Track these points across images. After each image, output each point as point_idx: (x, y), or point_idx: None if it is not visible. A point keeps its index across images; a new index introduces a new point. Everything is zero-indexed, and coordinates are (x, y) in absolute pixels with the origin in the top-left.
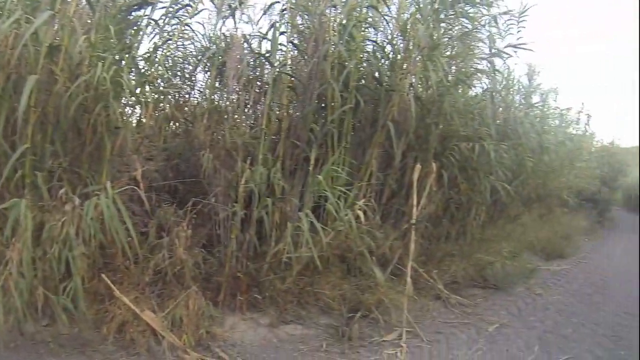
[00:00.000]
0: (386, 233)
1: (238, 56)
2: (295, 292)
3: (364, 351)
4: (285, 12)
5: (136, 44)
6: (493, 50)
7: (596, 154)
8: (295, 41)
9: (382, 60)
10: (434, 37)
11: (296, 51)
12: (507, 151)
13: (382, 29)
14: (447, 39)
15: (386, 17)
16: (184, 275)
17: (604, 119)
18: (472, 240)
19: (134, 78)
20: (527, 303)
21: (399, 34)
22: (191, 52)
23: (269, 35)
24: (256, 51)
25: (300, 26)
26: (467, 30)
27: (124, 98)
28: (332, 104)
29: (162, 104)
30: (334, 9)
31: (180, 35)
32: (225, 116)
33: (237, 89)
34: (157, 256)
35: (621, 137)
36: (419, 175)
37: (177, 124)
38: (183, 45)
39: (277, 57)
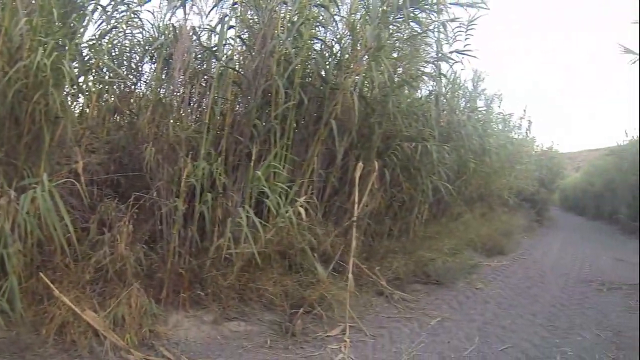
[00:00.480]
0: (328, 230)
1: (185, 48)
2: (238, 288)
3: (308, 347)
4: (236, 6)
5: (81, 30)
6: (439, 55)
7: (536, 158)
8: (244, 36)
9: (330, 59)
10: (381, 39)
11: (244, 46)
12: (450, 152)
13: (331, 28)
14: (394, 41)
15: (337, 17)
16: (126, 273)
17: (544, 126)
18: (415, 238)
19: (76, 66)
20: (468, 297)
21: (348, 34)
22: (139, 41)
23: (218, 29)
24: (204, 44)
25: (250, 21)
26: (414, 33)
27: (65, 86)
28: (277, 100)
29: (106, 95)
30: (285, 5)
31: (129, 23)
32: (170, 109)
33: (182, 82)
34: (98, 253)
35: (559, 143)
36: (361, 174)
37: (122, 115)
38: (132, 33)
39: (225, 51)
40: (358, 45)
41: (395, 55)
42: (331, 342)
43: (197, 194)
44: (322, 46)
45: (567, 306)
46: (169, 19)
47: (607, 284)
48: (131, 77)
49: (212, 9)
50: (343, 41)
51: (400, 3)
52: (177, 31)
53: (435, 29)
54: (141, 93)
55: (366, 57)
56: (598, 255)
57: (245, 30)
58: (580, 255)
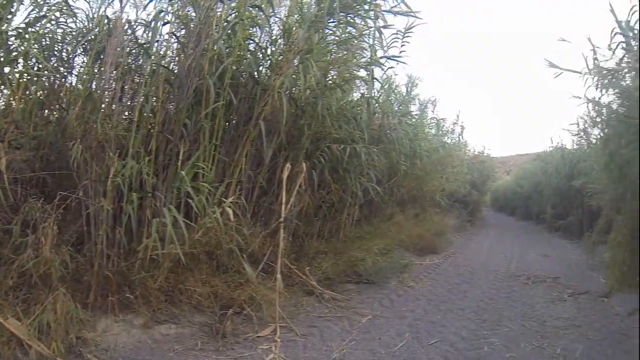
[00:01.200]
0: (256, 230)
1: (119, 42)
2: (168, 290)
3: (238, 347)
4: (173, 1)
5: (8, 16)
6: (372, 59)
7: (468, 161)
8: (181, 33)
9: (262, 61)
10: (312, 42)
11: (178, 44)
12: (379, 155)
13: (267, 30)
14: (326, 44)
15: (274, 19)
16: (51, 277)
17: (479, 132)
18: (346, 238)
19: (1, 54)
20: (399, 295)
21: (283, 36)
22: (72, 31)
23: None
24: (138, 40)
25: (187, 19)
26: (346, 37)
27: None
28: (208, 100)
29: (34, 87)
30: (221, 4)
31: (61, 11)
32: (100, 105)
33: (114, 78)
34: (22, 256)
35: (491, 148)
36: (289, 174)
37: (50, 110)
38: (65, 23)
39: (159, 48)
40: (289, 47)
41: (328, 58)
42: (262, 342)
43: (125, 194)
44: (256, 47)
45: (495, 300)
46: (104, 10)
47: (533, 278)
48: (62, 69)
49: (149, 3)
50: (278, 43)
51: (334, 7)
52: (112, 24)
53: (370, 35)
54: (72, 87)
55: (296, 59)
56: (526, 252)
57: (182, 28)
58: (509, 252)
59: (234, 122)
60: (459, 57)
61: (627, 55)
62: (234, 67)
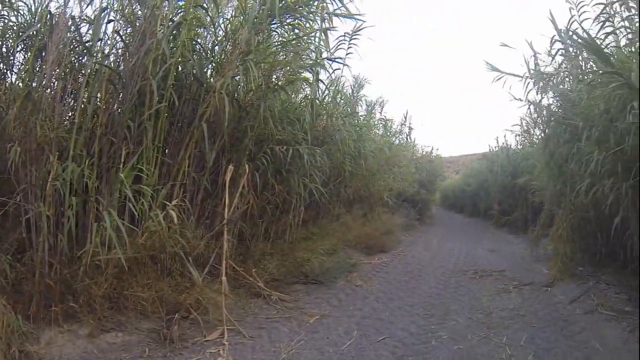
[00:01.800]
0: (201, 233)
1: (61, 39)
2: (113, 297)
3: (186, 352)
4: None
5: None
6: (316, 61)
7: (416, 161)
8: (127, 31)
9: (206, 62)
10: (251, 43)
11: (122, 42)
12: (322, 156)
13: (212, 30)
14: (268, 46)
15: (221, 19)
16: None
17: (429, 132)
18: (293, 239)
19: None
20: (348, 294)
21: (227, 37)
22: (12, 26)
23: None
24: (78, 37)
25: (132, 17)
26: (289, 39)
27: None
28: (151, 101)
29: None
30: (167, 2)
31: (2, 4)
32: (40, 105)
33: (56, 76)
34: None
35: (439, 148)
36: (233, 176)
37: None
38: (7, 16)
39: (102, 47)
40: (232, 48)
41: (271, 60)
42: (210, 346)
43: (66, 199)
44: (200, 48)
45: (442, 295)
46: (47, 5)
47: (480, 272)
48: (1, 66)
49: None
50: (223, 44)
51: (277, 9)
52: (55, 19)
53: (315, 37)
54: (11, 85)
55: (239, 60)
56: (473, 248)
57: (127, 26)
58: (457, 248)
59: (179, 124)
60: (411, 62)
61: (565, 61)
62: (180, 68)
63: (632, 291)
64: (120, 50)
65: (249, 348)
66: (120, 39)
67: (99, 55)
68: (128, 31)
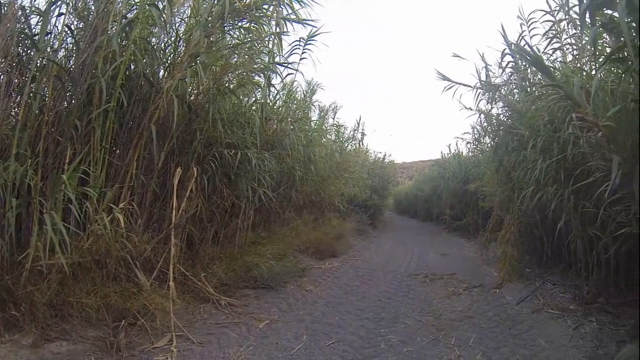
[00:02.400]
0: (148, 237)
1: (8, 31)
2: (57, 304)
3: None
4: None
5: None
6: (266, 65)
7: (369, 167)
8: (78, 26)
9: (159, 62)
10: (203, 45)
11: (72, 38)
12: (271, 160)
13: (167, 30)
14: (219, 49)
15: (176, 19)
16: None
17: (382, 139)
18: (242, 244)
19: None
20: (298, 299)
21: (177, 39)
22: None
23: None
24: (27, 29)
25: (85, 12)
26: (239, 42)
27: None
28: (100, 100)
29: None
30: None
31: None
32: None
33: (1, 70)
34: None
35: (391, 154)
36: (181, 179)
37: None
38: None
39: (51, 41)
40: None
41: (222, 62)
42: (158, 353)
43: (7, 200)
44: (152, 48)
45: (393, 299)
46: None
47: (431, 276)
48: None
49: None
50: (176, 45)
51: (227, 11)
52: (3, 8)
53: (268, 41)
54: None
55: (187, 62)
56: (425, 252)
57: (79, 21)
58: (409, 253)
59: (128, 125)
60: (367, 70)
61: (514, 74)
62: (132, 68)
63: (575, 290)
64: (70, 46)
65: (197, 354)
66: (70, 34)
67: (48, 49)
68: (80, 26)
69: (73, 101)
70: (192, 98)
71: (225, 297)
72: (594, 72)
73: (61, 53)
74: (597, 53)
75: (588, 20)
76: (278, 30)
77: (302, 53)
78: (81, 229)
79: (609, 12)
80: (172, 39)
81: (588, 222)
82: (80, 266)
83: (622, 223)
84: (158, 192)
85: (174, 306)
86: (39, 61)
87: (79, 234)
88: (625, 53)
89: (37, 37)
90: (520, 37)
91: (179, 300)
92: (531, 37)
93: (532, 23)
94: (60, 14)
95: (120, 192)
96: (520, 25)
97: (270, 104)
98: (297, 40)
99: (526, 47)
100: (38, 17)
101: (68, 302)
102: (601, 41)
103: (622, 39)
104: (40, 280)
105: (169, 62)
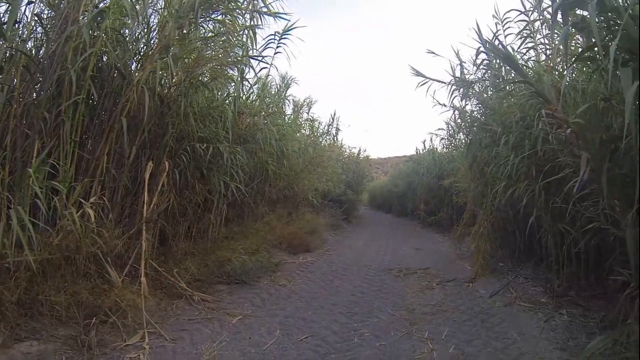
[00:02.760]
0: (120, 232)
1: None
2: (26, 303)
3: (105, 359)
4: None
5: None
6: (239, 58)
7: (343, 162)
8: (49, 15)
9: (131, 53)
10: (174, 37)
11: (41, 27)
12: (243, 154)
13: (142, 22)
14: (190, 41)
15: (150, 10)
16: None
17: (360, 135)
18: (215, 239)
19: None
20: (271, 294)
21: (150, 30)
22: None
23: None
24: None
25: (56, 0)
26: (212, 35)
27: None
28: (70, 92)
29: None
30: None
31: None
32: None
33: None
34: None
35: (368, 149)
36: (153, 174)
37: None
38: None
39: (21, 30)
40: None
41: (195, 55)
42: (130, 351)
43: None
44: (123, 39)
45: (366, 293)
46: None
47: (405, 270)
48: None
49: None
50: (149, 37)
51: (197, 3)
52: None
53: (242, 34)
54: None
55: (159, 54)
56: (399, 247)
57: (50, 11)
58: (384, 247)
59: (99, 117)
60: (344, 65)
61: (488, 71)
62: (104, 59)
63: (547, 284)
64: (40, 36)
65: (170, 351)
66: (40, 24)
67: (17, 39)
68: (50, 15)
69: (42, 93)
70: (165, 91)
71: (198, 293)
72: (566, 72)
73: (30, 43)
74: (569, 53)
75: (560, 19)
76: (252, 23)
77: (277, 47)
78: (50, 225)
79: (580, 12)
80: (145, 30)
81: (558, 217)
82: (50, 263)
83: (590, 218)
84: (130, 187)
85: (146, 302)
86: (7, 51)
87: (48, 230)
88: (596, 53)
89: (4, 26)
90: (495, 37)
91: (151, 296)
92: (505, 36)
93: (507, 22)
94: (29, 2)
95: (91, 187)
96: (496, 24)
97: (244, 98)
98: (272, 35)
99: (499, 45)
100: (6, 4)
101: (37, 300)
102: (573, 42)
103: (592, 39)
104: (8, 278)
105: (141, 54)
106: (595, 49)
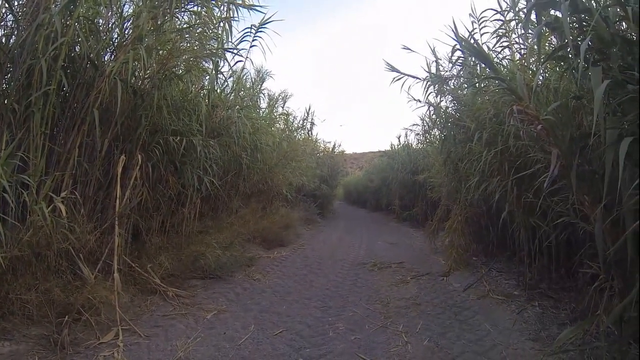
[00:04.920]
0: (92, 227)
1: None
2: None
3: (79, 358)
4: None
5: None
6: (213, 51)
7: (318, 156)
8: (20, 2)
9: (104, 44)
10: (147, 27)
11: (11, 15)
12: (216, 147)
13: (115, 11)
14: (165, 32)
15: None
16: None
17: (336, 130)
18: (189, 233)
19: None
20: (245, 289)
21: (122, 20)
22: None
23: None
24: None
25: None
26: (186, 26)
27: None
28: (41, 82)
29: None
30: None
31: None
32: None
33: None
34: None
35: (343, 144)
36: (125, 167)
37: None
38: None
39: None
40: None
41: (169, 46)
42: (104, 349)
43: None
44: (98, 28)
45: (341, 287)
46: None
47: (379, 265)
48: None
49: None
50: (123, 27)
51: None
52: None
53: (217, 27)
54: None
55: (132, 45)
56: (374, 241)
57: None
58: (358, 242)
59: (70, 109)
60: (321, 61)
61: (463, 68)
62: (77, 49)
63: (519, 277)
64: (10, 24)
65: (144, 348)
66: (10, 11)
67: None
68: (21, 2)
69: (12, 83)
70: (138, 83)
71: (173, 288)
72: (539, 70)
73: (0, 31)
74: (542, 52)
75: (534, 19)
76: (228, 15)
77: (253, 41)
78: (20, 221)
79: (554, 12)
80: (118, 20)
81: (530, 212)
82: (20, 260)
83: (560, 213)
84: (102, 181)
85: (119, 299)
86: None
87: (17, 226)
88: (567, 52)
89: None
90: (471, 35)
91: (124, 292)
92: (482, 35)
93: (483, 21)
94: None
95: (62, 181)
96: (472, 23)
97: (218, 91)
98: (248, 28)
99: (474, 43)
100: None
101: (8, 299)
102: (547, 44)
103: (565, 39)
104: None
105: (115, 44)
106: (568, 49)
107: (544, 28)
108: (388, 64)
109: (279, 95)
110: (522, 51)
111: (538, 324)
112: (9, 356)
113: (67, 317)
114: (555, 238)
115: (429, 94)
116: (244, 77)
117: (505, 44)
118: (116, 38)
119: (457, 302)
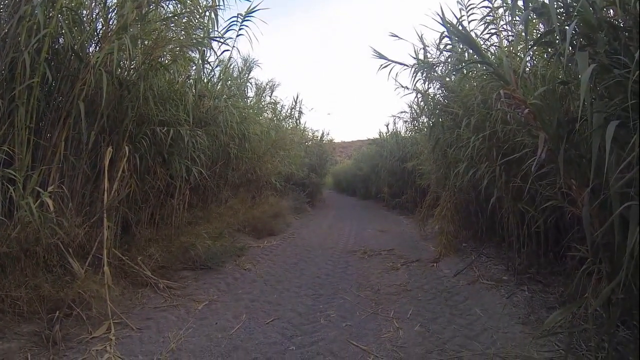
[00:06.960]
0: (81, 221)
1: None
2: None
3: (71, 353)
4: None
5: None
6: (199, 40)
7: (307, 145)
8: None
9: (89, 35)
10: (131, 17)
11: None
12: (204, 137)
13: (99, 1)
14: (150, 21)
15: None
16: None
17: (322, 118)
18: (179, 224)
19: None
20: (236, 278)
21: (107, 10)
22: None
23: None
24: None
25: None
26: (171, 15)
27: None
28: (24, 75)
29: None
30: None
31: None
32: None
33: None
34: None
35: (332, 132)
36: (113, 159)
37: None
38: None
39: None
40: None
41: (154, 36)
42: (96, 343)
43: None
44: (81, 19)
45: (331, 275)
46: None
47: (369, 252)
48: None
49: None
50: (107, 17)
51: None
52: None
53: (203, 15)
54: None
55: (116, 35)
56: (364, 229)
57: None
58: (348, 230)
59: (55, 102)
60: (309, 49)
61: (451, 55)
62: (60, 41)
63: (508, 262)
64: None
65: (136, 340)
66: None
67: None
68: None
69: None
70: (124, 74)
71: (163, 280)
72: (526, 55)
73: None
74: (529, 39)
75: (522, 4)
76: (213, 3)
77: (239, 29)
78: (7, 217)
79: None
80: (102, 10)
81: (518, 197)
82: (8, 257)
83: (548, 197)
84: (89, 174)
85: (110, 292)
86: None
87: (5, 222)
88: (554, 37)
89: None
90: (459, 22)
91: (115, 286)
92: (469, 22)
93: (471, 8)
94: None
95: (49, 175)
96: (460, 10)
97: (205, 80)
98: (234, 16)
99: (462, 29)
100: None
101: None
102: (535, 30)
103: (552, 25)
104: None
105: (99, 35)
106: (555, 34)
107: (531, 14)
108: (375, 51)
109: (267, 85)
110: (510, 38)
111: (527, 308)
112: (0, 354)
113: (58, 312)
114: (544, 222)
115: (417, 81)
116: (231, 67)
117: (493, 30)
118: (100, 29)
119: (447, 287)
